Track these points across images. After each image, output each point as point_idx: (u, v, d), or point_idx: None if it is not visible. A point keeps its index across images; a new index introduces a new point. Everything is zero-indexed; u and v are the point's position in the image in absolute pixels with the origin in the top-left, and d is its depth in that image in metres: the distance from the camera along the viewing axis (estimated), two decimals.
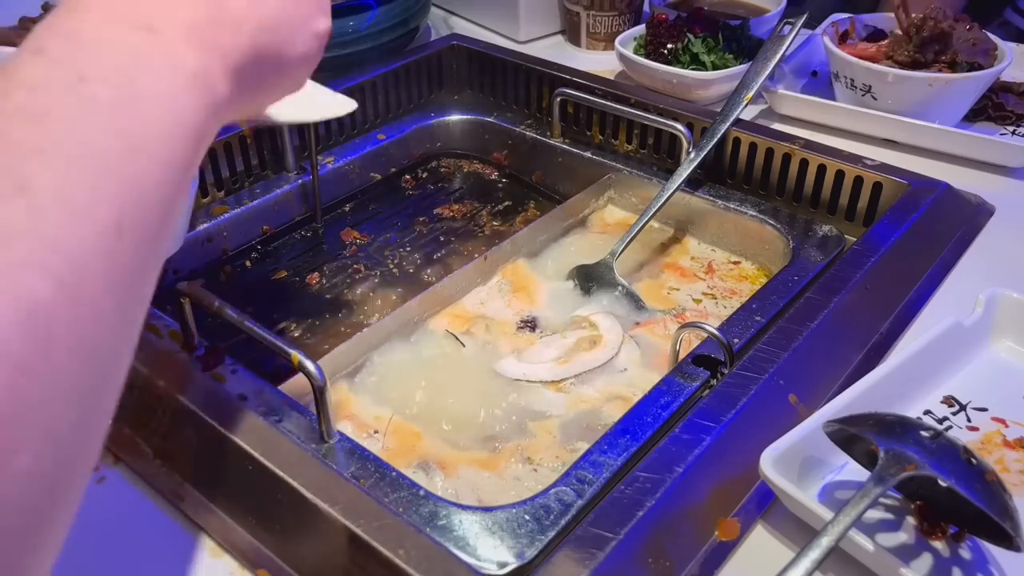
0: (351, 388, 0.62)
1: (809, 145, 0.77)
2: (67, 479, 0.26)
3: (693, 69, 0.90)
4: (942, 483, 0.40)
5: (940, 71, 0.82)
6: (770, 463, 0.45)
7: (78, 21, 0.30)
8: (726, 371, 0.55)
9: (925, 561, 0.44)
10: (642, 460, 0.48)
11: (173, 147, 0.30)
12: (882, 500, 0.47)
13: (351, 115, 0.89)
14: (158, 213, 0.30)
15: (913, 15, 0.86)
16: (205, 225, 0.75)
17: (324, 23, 0.42)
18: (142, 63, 0.30)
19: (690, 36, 0.92)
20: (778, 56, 0.80)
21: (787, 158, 0.77)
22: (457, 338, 0.67)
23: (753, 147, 0.79)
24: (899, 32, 0.86)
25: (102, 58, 0.29)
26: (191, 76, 0.32)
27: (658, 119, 0.79)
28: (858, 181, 0.74)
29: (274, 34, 0.38)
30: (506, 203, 0.88)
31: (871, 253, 0.63)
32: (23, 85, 0.27)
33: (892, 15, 0.89)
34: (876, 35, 0.92)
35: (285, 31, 0.38)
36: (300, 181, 0.82)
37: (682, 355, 0.58)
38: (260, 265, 0.78)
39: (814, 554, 0.38)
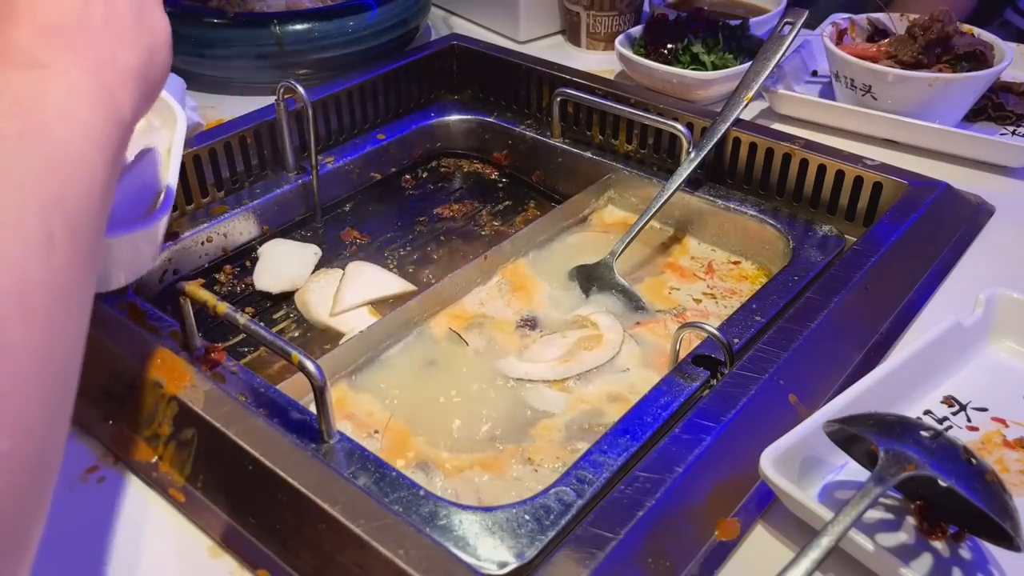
0: (351, 388, 0.62)
1: (809, 145, 0.77)
2: (42, 468, 0.30)
3: (693, 69, 0.90)
4: (942, 483, 0.40)
5: (940, 71, 0.82)
6: (770, 463, 0.45)
7: None
8: (726, 371, 0.55)
9: (925, 561, 0.44)
10: (642, 460, 0.48)
11: (88, 159, 0.34)
12: (882, 500, 0.47)
13: (351, 115, 0.90)
14: (87, 219, 0.33)
15: (917, 16, 0.86)
16: (205, 225, 0.75)
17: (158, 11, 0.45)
18: (39, 94, 0.34)
19: (690, 36, 0.92)
20: (778, 56, 0.80)
21: (787, 158, 0.77)
22: (461, 337, 0.67)
23: (753, 147, 0.79)
24: (901, 32, 0.86)
25: (5, 99, 0.33)
26: (87, 93, 0.36)
27: (658, 119, 0.79)
28: (858, 181, 0.74)
29: (142, 40, 0.41)
30: (506, 203, 0.88)
31: (871, 253, 0.63)
32: None
33: (891, 15, 0.90)
34: (876, 35, 0.92)
35: (148, 20, 0.42)
36: (300, 181, 0.82)
37: (682, 355, 0.58)
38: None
39: (814, 554, 0.38)
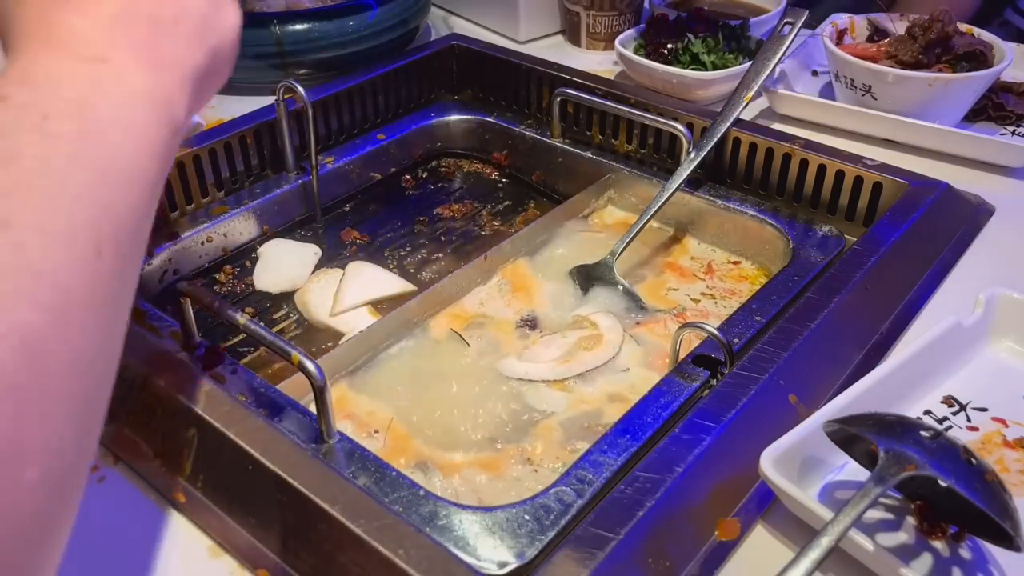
0: (351, 388, 0.62)
1: (809, 145, 0.77)
2: (70, 484, 0.28)
3: (693, 69, 0.90)
4: (942, 483, 0.40)
5: (940, 71, 0.82)
6: (770, 463, 0.45)
7: (30, 64, 0.32)
8: (726, 371, 0.55)
9: (925, 561, 0.44)
10: (642, 460, 0.47)
11: (140, 166, 0.32)
12: (882, 500, 0.47)
13: (351, 115, 0.90)
14: (133, 230, 0.32)
15: (917, 16, 0.86)
16: (205, 225, 0.75)
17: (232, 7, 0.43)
18: (97, 93, 0.32)
19: (690, 36, 0.92)
20: (778, 56, 0.80)
21: (787, 158, 0.77)
22: (462, 337, 0.67)
23: (753, 147, 0.79)
24: (901, 32, 0.86)
25: (60, 95, 0.31)
26: (145, 95, 0.34)
27: (658, 119, 0.79)
28: (858, 181, 0.74)
29: (209, 25, 0.39)
30: (506, 203, 0.88)
31: (871, 253, 0.63)
32: None
33: (891, 15, 0.90)
34: (876, 35, 0.92)
35: (217, 18, 0.40)
36: (300, 181, 0.82)
37: (682, 355, 0.58)
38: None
39: (814, 554, 0.38)
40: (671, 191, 0.74)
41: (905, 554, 0.44)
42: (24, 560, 0.26)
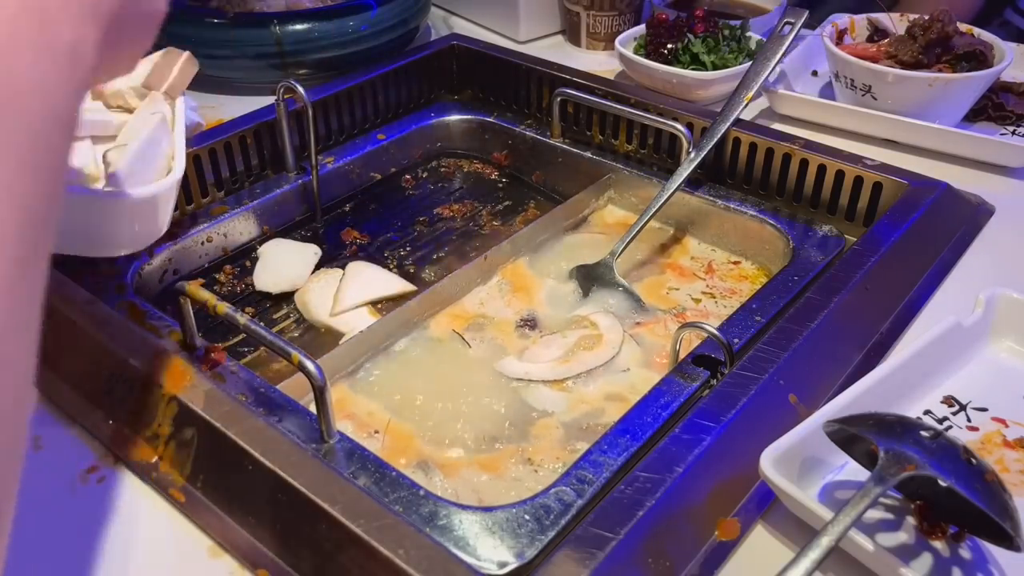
0: (351, 388, 0.62)
1: (809, 145, 0.77)
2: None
3: (693, 69, 0.90)
4: (942, 483, 0.40)
5: (940, 71, 0.82)
6: (770, 463, 0.45)
7: None
8: (726, 371, 0.55)
9: (925, 561, 0.44)
10: (642, 460, 0.48)
11: (50, 138, 0.29)
12: (882, 500, 0.47)
13: (351, 115, 0.90)
14: (46, 200, 0.29)
15: (917, 16, 0.86)
16: (205, 225, 0.75)
17: None
18: (16, 42, 0.27)
19: (690, 36, 0.92)
20: (778, 56, 0.80)
21: (787, 158, 0.77)
22: (463, 338, 0.67)
23: (753, 147, 0.79)
24: (901, 32, 0.86)
25: None
26: (66, 54, 0.29)
27: (658, 119, 0.79)
28: (858, 181, 0.74)
29: None
30: (506, 203, 0.88)
31: (871, 253, 0.63)
32: None
33: (891, 15, 0.90)
34: (876, 35, 0.92)
35: None
36: (300, 181, 0.82)
37: (682, 355, 0.58)
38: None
39: (814, 554, 0.38)
40: (671, 191, 0.74)
41: (905, 554, 0.44)
42: None
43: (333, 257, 0.79)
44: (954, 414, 0.53)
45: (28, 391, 0.30)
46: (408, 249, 0.80)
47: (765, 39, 0.84)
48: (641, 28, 0.98)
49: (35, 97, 0.28)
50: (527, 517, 0.44)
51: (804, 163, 0.76)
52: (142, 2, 0.37)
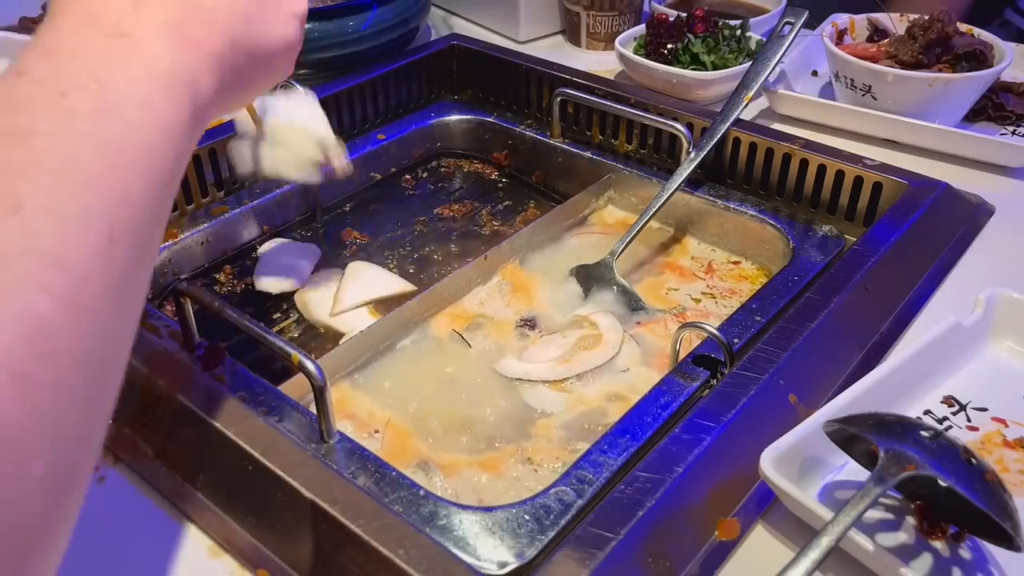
0: (351, 388, 0.62)
1: (809, 145, 0.77)
2: (76, 482, 0.27)
3: (693, 69, 0.90)
4: (942, 483, 0.40)
5: (940, 71, 0.82)
6: (770, 463, 0.45)
7: (53, 35, 0.31)
8: (726, 371, 0.55)
9: (925, 561, 0.44)
10: (642, 460, 0.48)
11: (156, 150, 0.31)
12: (882, 500, 0.47)
13: (351, 115, 0.90)
14: (147, 216, 0.30)
15: (917, 16, 0.86)
16: (205, 225, 0.75)
17: (301, 4, 0.42)
18: (116, 68, 0.30)
19: (690, 36, 0.92)
20: (778, 56, 0.80)
21: (787, 158, 0.77)
22: (463, 338, 0.67)
23: (753, 147, 0.79)
24: (901, 32, 0.86)
25: (79, 69, 0.30)
26: (168, 76, 0.32)
27: (658, 119, 0.79)
28: (858, 181, 0.74)
29: (250, 23, 0.38)
30: (506, 203, 0.88)
31: (871, 253, 0.63)
32: (7, 107, 0.28)
33: (891, 15, 0.90)
34: (876, 35, 0.92)
35: (260, 18, 0.39)
36: None
37: (682, 355, 0.58)
38: None
39: (814, 554, 0.38)
40: (671, 191, 0.74)
41: (905, 554, 0.44)
42: (25, 557, 0.25)
43: (333, 257, 0.79)
44: (954, 414, 0.53)
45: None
46: (408, 249, 0.80)
47: (765, 39, 0.84)
48: (641, 28, 0.98)
49: (133, 107, 0.30)
50: (527, 517, 0.44)
51: (804, 163, 0.76)
52: (261, 33, 0.39)
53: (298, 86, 0.76)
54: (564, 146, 0.87)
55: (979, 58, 0.83)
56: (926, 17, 0.85)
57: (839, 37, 0.91)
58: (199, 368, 0.53)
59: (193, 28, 0.34)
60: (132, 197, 0.29)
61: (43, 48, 0.31)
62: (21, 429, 0.24)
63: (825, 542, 0.39)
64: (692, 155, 0.75)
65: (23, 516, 0.24)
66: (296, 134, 0.64)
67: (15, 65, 0.30)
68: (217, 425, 0.49)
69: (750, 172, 0.79)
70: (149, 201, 0.30)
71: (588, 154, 0.86)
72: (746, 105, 0.78)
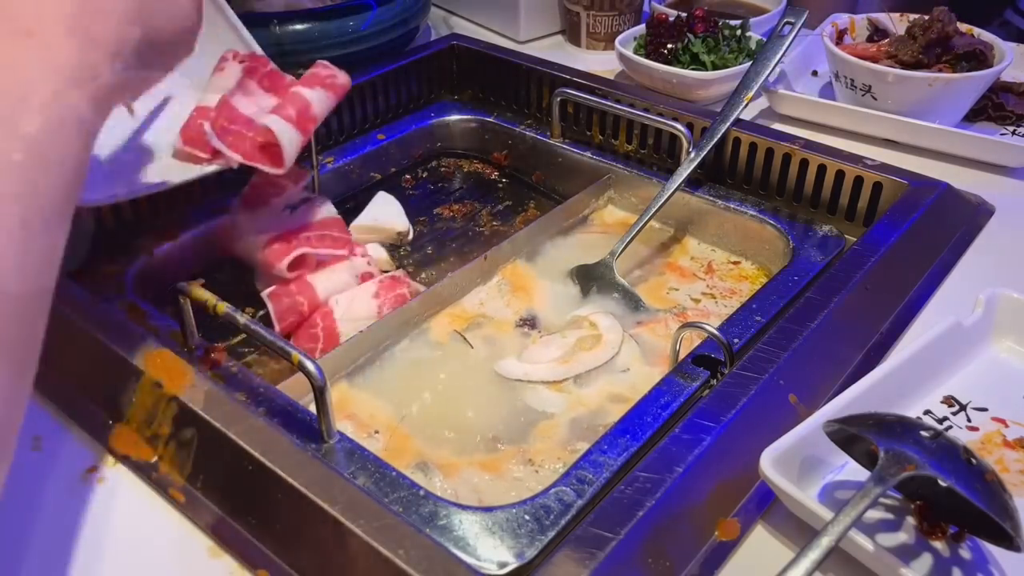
0: (351, 388, 0.62)
1: (809, 145, 0.77)
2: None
3: (693, 69, 0.90)
4: (942, 483, 0.40)
5: (940, 71, 0.82)
6: (770, 463, 0.45)
7: None
8: (726, 371, 0.55)
9: (925, 561, 0.44)
10: (642, 460, 0.48)
11: (65, 141, 0.34)
12: (882, 500, 0.47)
13: (351, 115, 0.90)
14: (59, 201, 0.33)
15: (917, 16, 0.86)
16: (205, 225, 0.75)
17: None
18: (22, 66, 0.33)
19: (690, 36, 0.92)
20: (778, 56, 0.80)
21: (787, 158, 0.77)
22: (465, 338, 0.67)
23: (753, 147, 0.79)
24: (901, 32, 0.86)
25: None
26: (73, 70, 0.34)
27: (658, 119, 0.79)
28: (858, 181, 0.74)
29: (145, 9, 0.40)
30: (506, 203, 0.88)
31: (871, 253, 0.63)
32: None
33: (891, 15, 0.90)
34: (876, 35, 0.92)
35: (155, 3, 0.40)
36: None
37: (682, 355, 0.58)
38: None
39: (814, 554, 0.38)
40: (671, 191, 0.74)
41: (905, 554, 0.44)
42: None
43: None
44: (954, 414, 0.53)
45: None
46: (408, 249, 0.80)
47: (765, 39, 0.84)
48: (641, 28, 0.98)
49: (42, 102, 0.33)
50: (527, 517, 0.44)
51: (804, 163, 0.76)
52: (156, 22, 0.40)
53: (381, 193, 0.81)
54: (564, 146, 0.87)
55: (979, 58, 0.83)
56: (926, 17, 0.85)
57: (839, 37, 0.92)
58: (199, 368, 0.53)
59: (92, 23, 0.36)
60: (42, 185, 0.32)
61: None
62: None
63: (825, 542, 0.39)
64: (692, 155, 0.75)
65: None
66: (379, 233, 0.78)
67: None
68: (217, 425, 0.49)
69: (750, 172, 0.79)
70: (59, 187, 0.33)
71: (588, 154, 0.86)
72: (746, 105, 0.78)
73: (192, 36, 0.44)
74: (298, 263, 0.67)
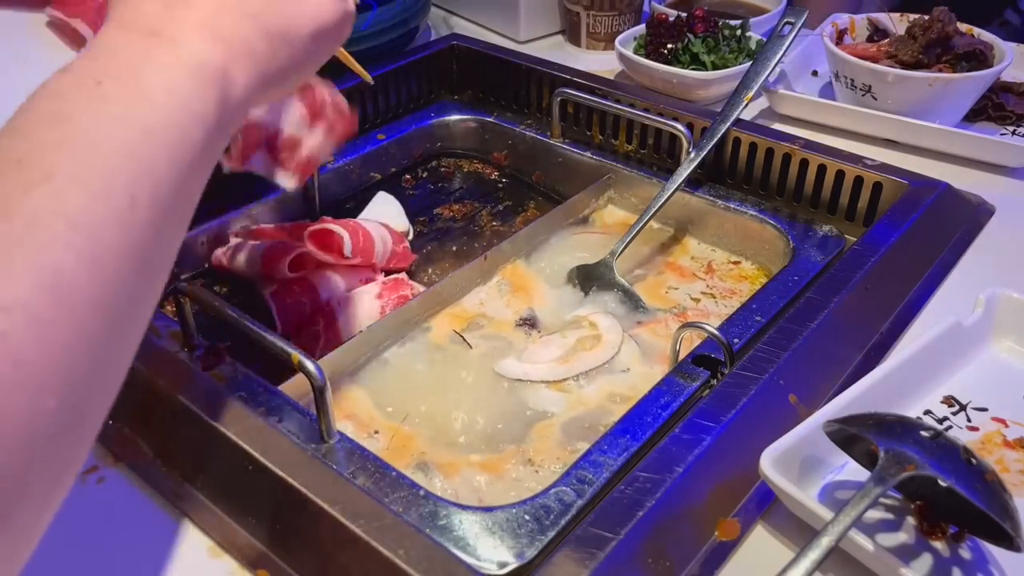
0: (351, 388, 0.62)
1: (809, 145, 0.77)
2: (83, 421, 0.30)
3: (693, 69, 0.90)
4: (942, 483, 0.40)
5: (940, 71, 0.82)
6: (770, 463, 0.45)
7: (97, 41, 0.36)
8: (726, 371, 0.55)
9: (925, 561, 0.44)
10: (642, 460, 0.48)
11: (182, 131, 0.35)
12: (882, 500, 0.47)
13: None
14: (173, 189, 0.34)
15: (917, 16, 0.86)
16: (205, 225, 0.75)
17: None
18: (148, 61, 0.35)
19: (690, 36, 0.92)
20: (778, 56, 0.80)
21: (787, 158, 0.77)
22: (464, 339, 0.67)
23: (753, 147, 0.79)
24: (901, 32, 0.86)
25: (115, 63, 0.35)
26: (196, 67, 0.36)
27: (658, 119, 0.79)
28: (858, 181, 0.74)
29: (275, 8, 0.41)
30: (506, 203, 0.88)
31: (871, 253, 0.63)
32: (49, 95, 0.33)
33: (891, 15, 0.90)
34: (876, 35, 0.92)
35: (292, 9, 0.42)
36: None
37: (682, 355, 0.58)
38: None
39: (814, 554, 0.38)
40: (671, 191, 0.74)
41: (905, 554, 0.44)
42: (32, 487, 0.28)
43: None
44: (954, 414, 0.53)
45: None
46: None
47: (765, 39, 0.84)
48: (641, 28, 0.98)
49: (162, 93, 0.35)
50: (527, 517, 0.44)
51: (804, 163, 0.76)
52: (292, 24, 0.42)
53: (381, 193, 0.82)
54: (564, 146, 0.87)
55: (979, 58, 0.83)
56: (926, 17, 0.85)
57: (839, 37, 0.92)
58: (199, 368, 0.53)
59: (222, 23, 0.38)
60: (156, 170, 0.33)
61: (87, 52, 0.35)
62: (38, 368, 0.27)
63: (825, 542, 0.39)
64: (692, 155, 0.75)
65: (36, 447, 0.27)
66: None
67: (63, 66, 0.34)
68: (217, 425, 0.49)
69: (750, 172, 0.79)
70: (173, 174, 0.34)
71: (588, 154, 0.86)
72: (746, 105, 0.78)
73: (333, 41, 0.45)
74: (299, 263, 0.67)
